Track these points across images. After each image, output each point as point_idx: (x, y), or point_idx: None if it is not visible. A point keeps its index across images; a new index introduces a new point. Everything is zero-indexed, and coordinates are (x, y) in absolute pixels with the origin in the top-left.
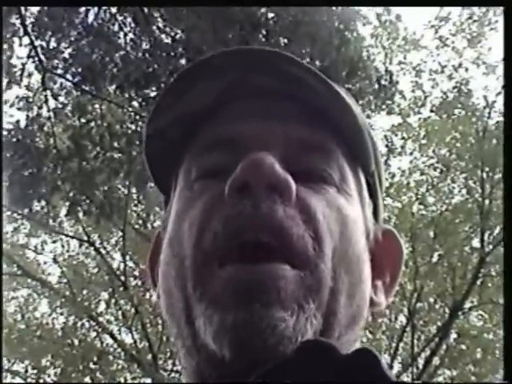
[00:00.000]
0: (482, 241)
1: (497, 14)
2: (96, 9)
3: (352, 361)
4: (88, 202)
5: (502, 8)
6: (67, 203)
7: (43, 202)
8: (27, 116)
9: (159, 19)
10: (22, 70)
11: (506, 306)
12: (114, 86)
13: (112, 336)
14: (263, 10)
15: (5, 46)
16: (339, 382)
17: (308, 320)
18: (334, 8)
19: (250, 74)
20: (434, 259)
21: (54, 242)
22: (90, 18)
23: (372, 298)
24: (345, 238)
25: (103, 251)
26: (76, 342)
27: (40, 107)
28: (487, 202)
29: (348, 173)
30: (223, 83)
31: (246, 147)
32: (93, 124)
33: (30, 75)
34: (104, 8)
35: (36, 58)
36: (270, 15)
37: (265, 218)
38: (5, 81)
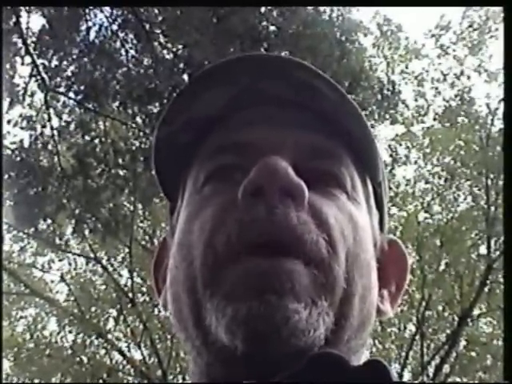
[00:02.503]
0: (488, 248)
1: (497, 22)
2: (97, 26)
3: (362, 372)
4: (94, 219)
5: (501, 16)
6: (73, 221)
7: (49, 221)
8: (30, 135)
9: (160, 35)
10: (25, 89)
11: (506, 306)
12: (116, 103)
13: (121, 353)
14: (264, 23)
15: (7, 66)
16: None
17: (320, 316)
18: (334, 19)
19: (262, 81)
20: (442, 267)
21: (61, 260)
22: (92, 35)
23: (379, 306)
24: (356, 243)
25: (110, 268)
26: (85, 359)
27: (43, 126)
28: (493, 208)
29: (357, 181)
30: (235, 89)
31: (257, 152)
32: (97, 141)
33: (32, 94)
34: (105, 25)
35: (38, 77)
36: (271, 28)
37: (279, 223)
38: (8, 100)
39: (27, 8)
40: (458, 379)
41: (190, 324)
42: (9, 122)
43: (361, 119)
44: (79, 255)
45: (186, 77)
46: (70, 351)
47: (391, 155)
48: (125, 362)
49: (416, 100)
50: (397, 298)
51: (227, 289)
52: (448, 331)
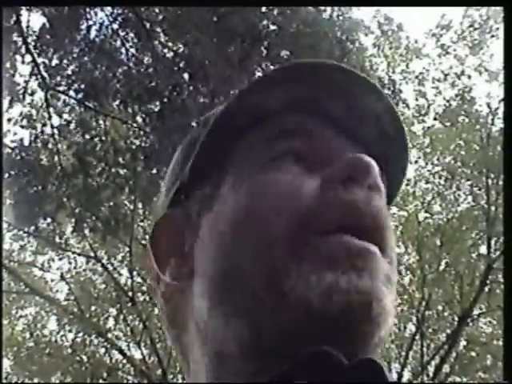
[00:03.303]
0: (488, 247)
1: (498, 22)
2: (98, 25)
3: (356, 370)
4: (94, 218)
5: (502, 16)
6: (73, 220)
7: (49, 220)
8: (31, 134)
9: (161, 34)
10: (25, 87)
11: (505, 306)
12: (117, 102)
13: (121, 352)
14: (264, 22)
15: (7, 65)
16: None
17: (393, 304)
18: (335, 18)
19: (326, 95)
20: (442, 267)
21: (61, 259)
22: (92, 34)
23: None
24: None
25: (110, 267)
26: (85, 358)
27: (44, 124)
28: (493, 208)
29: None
30: (300, 92)
31: (325, 143)
32: (97, 140)
33: (32, 93)
34: (106, 24)
35: (39, 76)
36: (272, 27)
37: (377, 209)
38: (8, 98)
39: (28, 7)
40: (458, 379)
41: (255, 286)
42: (9, 120)
43: (407, 152)
44: (79, 254)
45: (186, 76)
46: (69, 350)
47: None
48: (125, 361)
49: (416, 99)
50: None
51: (322, 256)
52: (448, 331)
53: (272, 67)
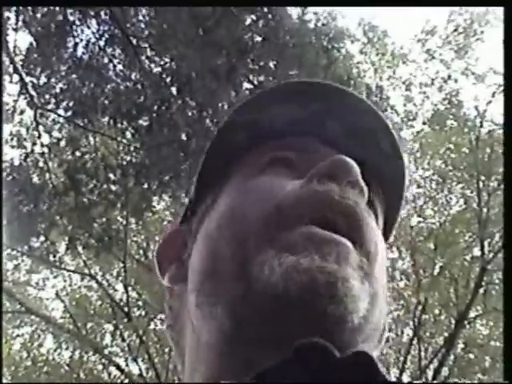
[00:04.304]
0: (482, 249)
1: (482, 25)
2: (84, 42)
3: (348, 362)
4: (87, 235)
5: (486, 19)
6: (66, 238)
7: (42, 238)
8: (21, 154)
9: (147, 49)
10: (14, 107)
11: (505, 306)
12: (106, 119)
13: (118, 368)
14: (249, 34)
15: None
16: (336, 383)
17: (365, 294)
18: (320, 27)
19: (325, 115)
20: (436, 271)
21: (56, 277)
22: (79, 51)
23: None
24: (384, 265)
25: (105, 283)
26: (83, 375)
27: (34, 143)
28: (485, 210)
29: (381, 227)
30: (300, 113)
31: (318, 153)
32: (87, 157)
33: (21, 112)
34: (92, 41)
35: (27, 95)
36: (257, 39)
37: (351, 212)
38: None
39: (14, 26)
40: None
41: (230, 276)
42: None
43: (404, 178)
44: (74, 271)
45: (174, 90)
46: (67, 368)
47: None
48: (123, 377)
49: (404, 105)
50: None
51: (288, 243)
52: (445, 334)
53: (263, 83)
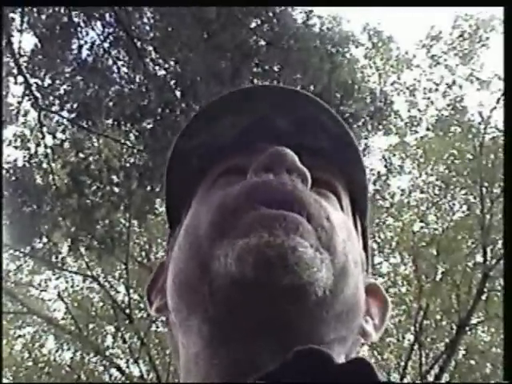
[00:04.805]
0: (484, 256)
1: (487, 31)
2: (89, 44)
3: (346, 369)
4: (89, 237)
5: (491, 25)
6: (69, 239)
7: (45, 240)
8: (24, 155)
9: (152, 52)
10: (18, 108)
11: (505, 306)
12: (109, 121)
13: (119, 369)
14: (254, 38)
15: None
16: None
17: (324, 263)
18: (325, 32)
19: (272, 115)
20: (438, 277)
21: (58, 278)
22: (84, 53)
23: (363, 325)
24: (351, 242)
25: (107, 285)
26: (84, 377)
27: (37, 145)
28: (488, 216)
29: (350, 217)
30: (246, 121)
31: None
32: (91, 159)
33: (26, 113)
34: (97, 43)
35: (31, 96)
36: (261, 43)
37: (288, 187)
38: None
39: (19, 27)
40: None
41: (195, 283)
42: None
43: (362, 164)
44: (76, 273)
45: (178, 93)
46: (68, 369)
47: (385, 166)
48: (123, 379)
49: (409, 110)
50: (378, 330)
51: (238, 230)
52: (446, 340)
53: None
